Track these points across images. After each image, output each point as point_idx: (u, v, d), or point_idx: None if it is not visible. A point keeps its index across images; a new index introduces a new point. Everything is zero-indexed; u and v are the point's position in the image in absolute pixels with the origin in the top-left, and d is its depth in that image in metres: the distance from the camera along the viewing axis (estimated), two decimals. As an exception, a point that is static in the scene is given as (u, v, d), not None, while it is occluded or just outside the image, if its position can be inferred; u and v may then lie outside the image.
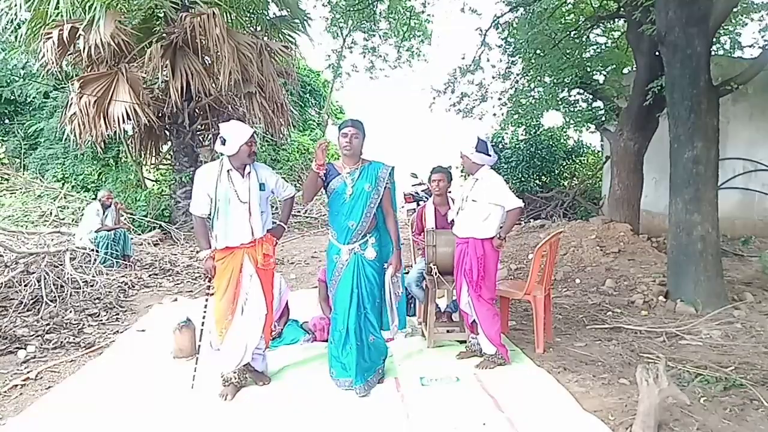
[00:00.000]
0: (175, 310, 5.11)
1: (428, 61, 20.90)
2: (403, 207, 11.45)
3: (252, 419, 2.92)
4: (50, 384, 3.51)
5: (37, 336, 4.39)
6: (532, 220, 10.25)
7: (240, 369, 3.27)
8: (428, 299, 4.06)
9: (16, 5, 7.74)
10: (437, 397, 3.15)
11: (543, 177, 12.41)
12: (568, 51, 8.42)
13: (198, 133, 10.24)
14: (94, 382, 3.50)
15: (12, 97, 12.71)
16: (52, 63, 7.96)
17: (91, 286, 5.79)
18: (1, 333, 4.30)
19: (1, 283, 5.40)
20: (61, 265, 6.07)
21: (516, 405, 2.98)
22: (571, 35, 8.49)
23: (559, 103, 9.07)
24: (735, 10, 6.29)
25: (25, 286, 5.38)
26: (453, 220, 3.87)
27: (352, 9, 10.18)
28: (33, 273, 5.66)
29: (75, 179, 11.90)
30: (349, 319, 3.29)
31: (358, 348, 3.26)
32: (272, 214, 3.49)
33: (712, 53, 5.36)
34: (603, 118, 8.76)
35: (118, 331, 4.70)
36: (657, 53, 6.52)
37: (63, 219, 9.90)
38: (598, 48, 9.38)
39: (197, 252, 7.92)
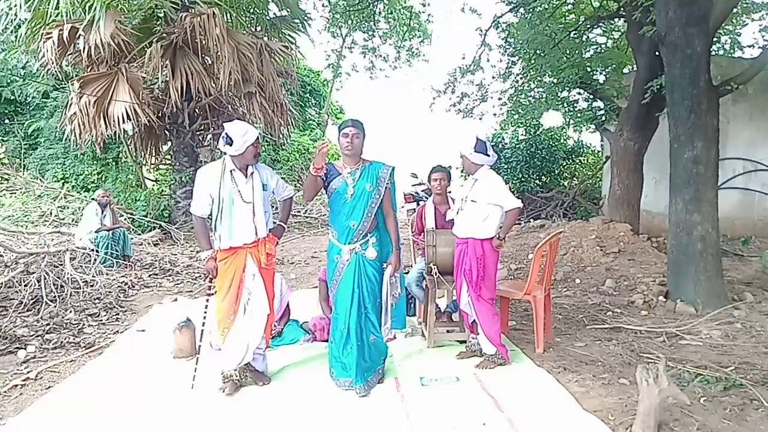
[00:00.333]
0: (175, 310, 5.11)
1: (428, 61, 20.96)
2: (403, 207, 11.45)
3: (252, 419, 2.92)
4: (50, 384, 3.51)
5: (37, 336, 4.39)
6: (532, 220, 10.25)
7: (240, 368, 3.27)
8: (428, 299, 4.06)
9: (16, 5, 7.74)
10: (437, 397, 3.15)
11: (543, 177, 12.41)
12: (568, 51, 8.41)
13: (198, 133, 10.23)
14: (94, 382, 3.50)
15: (12, 97, 12.72)
16: (52, 63, 7.96)
17: (91, 286, 5.79)
18: (1, 333, 4.30)
19: (1, 283, 5.40)
20: (61, 265, 6.07)
21: (516, 405, 2.98)
22: (571, 35, 8.49)
23: (559, 103, 9.06)
24: (735, 10, 6.29)
25: (25, 286, 5.38)
26: (453, 220, 3.87)
27: (351, 9, 10.18)
28: (33, 273, 5.66)
29: (75, 179, 11.90)
30: (350, 318, 3.29)
31: (358, 348, 3.26)
32: (272, 214, 3.50)
33: (712, 53, 5.36)
34: (603, 118, 8.75)
35: (118, 331, 4.70)
36: (657, 53, 6.52)
37: (63, 219, 9.90)
38: (598, 48, 9.38)
39: (197, 252, 7.93)
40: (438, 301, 4.30)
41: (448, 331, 4.27)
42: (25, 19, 8.28)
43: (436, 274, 3.92)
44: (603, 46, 9.56)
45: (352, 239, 3.33)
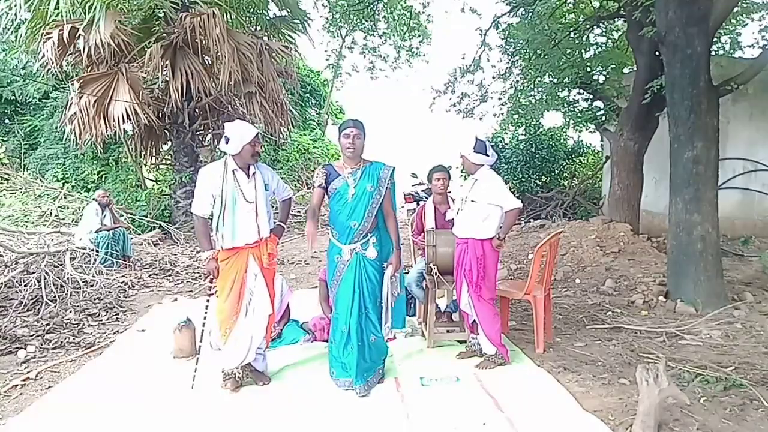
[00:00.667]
0: (175, 310, 5.12)
1: (428, 61, 20.92)
2: (403, 207, 11.46)
3: (252, 419, 2.92)
4: (50, 384, 3.51)
5: (37, 336, 4.39)
6: (532, 220, 10.25)
7: (241, 367, 3.27)
8: (428, 299, 4.06)
9: (16, 5, 7.74)
10: (437, 397, 3.15)
11: (543, 177, 12.40)
12: (568, 51, 8.40)
13: (198, 133, 10.23)
14: (94, 382, 3.50)
15: (12, 97, 12.72)
16: (52, 63, 7.96)
17: (91, 286, 5.79)
18: (1, 333, 4.30)
19: (1, 283, 5.40)
20: (61, 265, 6.07)
21: (516, 405, 2.98)
22: (571, 35, 8.48)
23: (559, 103, 9.07)
24: (735, 10, 6.29)
25: (25, 286, 5.38)
26: (453, 220, 3.87)
27: (351, 9, 10.17)
28: (33, 273, 5.66)
29: (75, 179, 11.90)
30: (351, 318, 3.29)
31: (359, 348, 3.26)
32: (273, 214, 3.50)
33: (712, 53, 5.36)
34: (603, 118, 8.75)
35: (118, 331, 4.70)
36: (657, 53, 6.52)
37: (63, 219, 9.90)
38: (598, 48, 9.38)
39: (197, 252, 7.93)
40: (438, 301, 4.30)
41: (448, 331, 4.27)
42: (25, 19, 8.27)
43: (436, 274, 3.92)
44: (603, 46, 9.56)
45: (353, 239, 3.32)
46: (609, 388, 3.21)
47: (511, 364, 3.62)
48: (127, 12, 8.82)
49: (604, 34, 9.75)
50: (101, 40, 7.64)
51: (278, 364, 3.67)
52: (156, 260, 7.67)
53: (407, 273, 4.34)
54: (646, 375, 2.57)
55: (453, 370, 3.56)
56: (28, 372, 3.68)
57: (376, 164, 3.40)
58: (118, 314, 5.22)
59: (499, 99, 9.75)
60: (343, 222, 3.32)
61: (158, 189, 11.80)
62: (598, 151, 12.95)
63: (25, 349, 4.09)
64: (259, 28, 10.42)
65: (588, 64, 8.75)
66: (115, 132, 8.77)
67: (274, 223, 3.45)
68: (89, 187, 11.75)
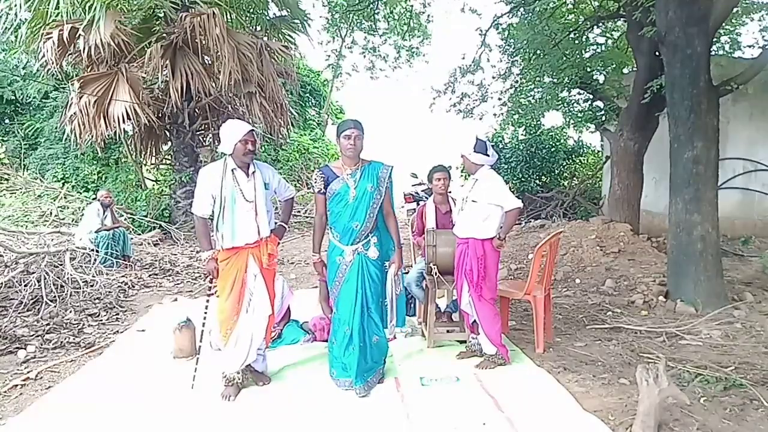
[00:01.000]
0: (175, 310, 5.11)
1: (428, 61, 20.92)
2: (403, 207, 11.45)
3: (252, 419, 2.92)
4: (50, 384, 3.51)
5: (37, 336, 4.39)
6: (532, 220, 10.25)
7: (242, 369, 3.27)
8: (428, 299, 4.06)
9: (16, 5, 7.74)
10: (437, 397, 3.15)
11: (543, 177, 12.41)
12: (567, 51, 8.41)
13: (198, 133, 10.23)
14: (94, 382, 3.50)
15: (12, 97, 12.72)
16: (52, 63, 7.97)
17: (91, 286, 5.79)
18: (1, 333, 4.30)
19: (1, 283, 5.40)
20: (61, 265, 6.07)
21: (516, 405, 2.98)
22: (571, 35, 8.49)
23: (559, 103, 9.07)
24: (735, 10, 6.29)
25: (25, 286, 5.38)
26: (453, 220, 3.87)
27: (351, 9, 10.18)
28: (33, 273, 5.66)
29: (75, 179, 11.90)
30: (354, 320, 3.28)
31: (361, 349, 3.26)
32: (273, 214, 3.49)
33: (712, 53, 5.36)
34: (603, 118, 8.76)
35: (118, 331, 4.70)
36: (657, 53, 6.52)
37: (63, 219, 9.90)
38: (597, 48, 9.38)
39: (197, 252, 7.93)
40: (438, 301, 4.29)
41: (448, 331, 4.27)
42: (25, 19, 8.28)
43: (436, 274, 3.92)
44: (603, 46, 9.56)
45: (355, 240, 3.32)
46: (609, 388, 3.21)
47: (511, 364, 3.62)
48: (127, 12, 8.82)
49: (604, 34, 9.76)
50: (101, 40, 7.64)
51: (278, 364, 3.67)
52: (156, 260, 7.67)
53: (407, 273, 4.34)
54: (646, 375, 2.57)
55: (453, 370, 3.56)
56: (28, 372, 3.68)
57: (374, 164, 3.39)
58: (118, 314, 5.22)
59: (499, 99, 9.77)
60: (345, 223, 3.31)
61: (158, 189, 11.80)
62: (598, 151, 12.96)
63: (25, 349, 4.09)
64: (259, 28, 10.42)
65: (588, 64, 8.76)
66: (115, 132, 8.77)
67: (276, 223, 3.45)
68: (89, 187, 11.74)
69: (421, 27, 19.06)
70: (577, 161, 13.32)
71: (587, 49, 9.09)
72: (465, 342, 3.96)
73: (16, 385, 3.46)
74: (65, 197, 10.82)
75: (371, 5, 10.04)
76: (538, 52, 8.52)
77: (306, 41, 10.93)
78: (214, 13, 8.17)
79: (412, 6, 15.91)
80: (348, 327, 3.29)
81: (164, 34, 8.78)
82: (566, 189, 12.15)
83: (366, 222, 3.30)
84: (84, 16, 7.83)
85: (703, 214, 4.92)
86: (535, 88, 9.37)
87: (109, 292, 5.75)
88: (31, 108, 13.02)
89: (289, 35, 10.44)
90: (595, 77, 8.99)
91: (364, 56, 20.30)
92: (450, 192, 4.45)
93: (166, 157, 11.08)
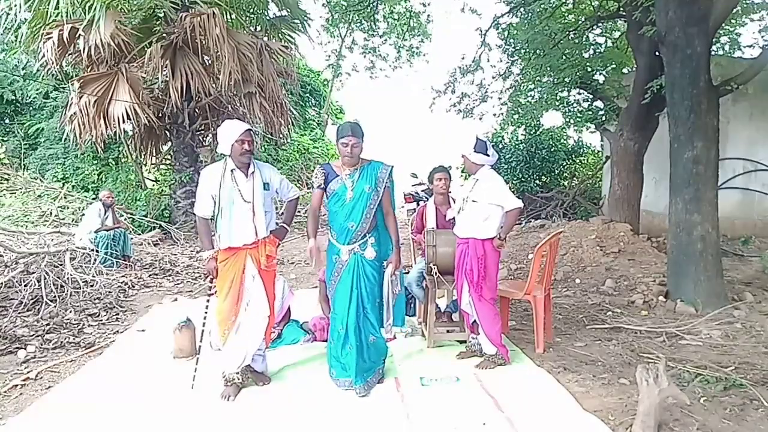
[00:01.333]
0: (175, 310, 5.12)
1: (428, 61, 20.90)
2: (403, 207, 11.45)
3: (252, 419, 2.92)
4: (50, 384, 3.51)
5: (37, 336, 4.39)
6: (532, 220, 10.24)
7: (241, 369, 3.27)
8: (428, 299, 4.06)
9: (16, 5, 7.75)
10: (437, 397, 3.15)
11: (543, 177, 12.41)
12: (567, 51, 8.41)
13: (198, 133, 10.23)
14: (94, 382, 3.50)
15: (12, 97, 12.70)
16: (52, 63, 7.96)
17: (91, 286, 5.79)
18: (1, 333, 4.30)
19: (1, 283, 5.40)
20: (61, 265, 6.07)
21: (516, 405, 2.98)
22: (571, 35, 8.49)
23: (559, 103, 9.07)
24: (735, 10, 6.29)
25: (25, 286, 5.38)
26: (453, 220, 3.87)
27: (351, 9, 10.17)
28: (33, 273, 5.66)
29: (75, 179, 11.89)
30: (349, 318, 3.29)
31: (357, 348, 3.26)
32: (276, 215, 3.48)
33: (712, 53, 5.36)
34: (603, 118, 8.75)
35: (118, 331, 4.70)
36: (657, 53, 6.51)
37: (63, 219, 9.90)
38: (597, 48, 9.38)
39: (198, 252, 7.93)
40: (438, 301, 4.29)
41: (448, 331, 4.27)
42: (25, 20, 8.28)
43: (436, 274, 3.92)
44: (603, 46, 9.56)
45: (351, 240, 3.32)
46: (609, 388, 3.21)
47: (511, 364, 3.62)
48: (127, 12, 8.82)
49: (604, 34, 9.76)
50: (101, 40, 7.64)
51: (278, 364, 3.67)
52: (156, 260, 7.67)
53: (407, 273, 4.34)
54: (646, 375, 2.57)
55: (453, 370, 3.56)
56: (28, 372, 3.68)
57: (374, 164, 3.39)
58: (118, 314, 5.22)
59: (499, 99, 9.76)
60: (341, 223, 3.31)
61: (158, 189, 11.80)
62: (598, 151, 12.95)
63: (25, 349, 4.09)
64: (259, 28, 10.42)
65: (588, 64, 8.76)
66: (115, 132, 8.77)
67: (277, 224, 3.44)
68: (89, 187, 11.74)
69: (421, 27, 19.06)
70: (577, 161, 13.32)
71: (587, 49, 9.09)
72: (465, 342, 3.96)
73: (16, 385, 3.46)
74: (65, 197, 10.82)
75: (371, 5, 10.04)
76: (538, 51, 8.51)
77: (306, 41, 10.94)
78: (214, 13, 8.17)
79: (411, 6, 15.92)
80: (342, 326, 3.30)
81: (164, 34, 8.77)
82: (566, 189, 12.15)
83: (362, 223, 3.30)
84: (84, 16, 7.83)
85: (703, 214, 4.92)
86: (535, 88, 9.37)
87: (109, 292, 5.75)
88: (31, 108, 13.01)
89: (289, 35, 10.43)
90: (595, 77, 8.99)
91: (364, 56, 20.31)
92: (450, 192, 4.45)
93: (166, 157, 11.08)
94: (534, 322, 3.91)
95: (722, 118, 5.20)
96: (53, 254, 6.34)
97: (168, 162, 11.06)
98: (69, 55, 8.59)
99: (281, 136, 10.86)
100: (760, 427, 2.69)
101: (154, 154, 10.77)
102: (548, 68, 8.48)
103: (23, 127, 12.84)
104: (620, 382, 3.28)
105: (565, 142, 13.00)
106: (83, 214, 8.05)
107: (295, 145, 15.26)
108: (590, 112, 8.90)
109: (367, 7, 10.04)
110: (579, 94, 9.34)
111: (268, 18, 10.52)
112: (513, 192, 3.70)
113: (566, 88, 9.01)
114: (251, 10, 10.40)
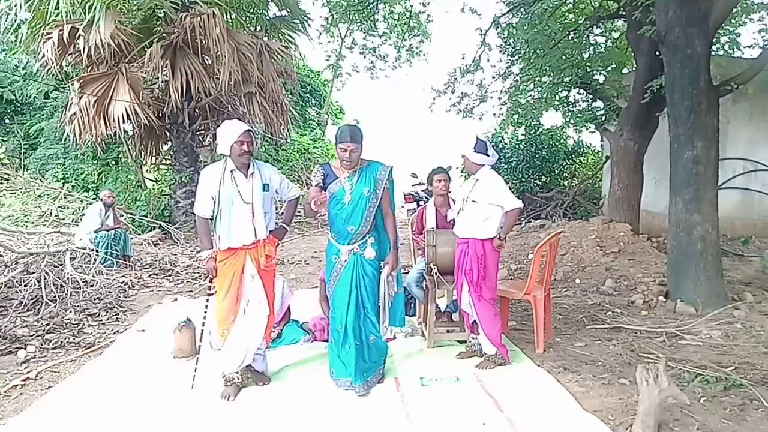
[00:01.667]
0: (175, 310, 5.11)
1: (428, 60, 20.88)
2: (403, 207, 11.46)
3: (252, 419, 2.92)
4: (50, 384, 3.51)
5: (37, 336, 4.39)
6: (532, 220, 10.25)
7: (241, 369, 3.27)
8: (428, 299, 4.06)
9: (16, 5, 7.74)
10: (437, 397, 3.15)
11: (543, 177, 12.41)
12: (567, 51, 8.41)
13: (198, 133, 10.24)
14: (94, 382, 3.50)
15: (12, 97, 12.71)
16: (52, 63, 7.97)
17: (91, 286, 5.79)
18: (1, 333, 4.30)
19: (1, 283, 5.40)
20: (61, 265, 6.07)
21: (516, 405, 2.98)
22: (571, 35, 8.49)
23: (559, 103, 9.06)
24: (735, 10, 6.29)
25: (25, 286, 5.38)
26: (453, 221, 3.87)
27: (351, 9, 10.17)
28: (33, 273, 5.66)
29: (75, 179, 11.89)
30: (348, 318, 3.28)
31: (357, 348, 3.26)
32: (276, 214, 3.48)
33: (712, 53, 5.36)
34: (603, 118, 8.75)
35: (118, 331, 4.70)
36: (657, 53, 6.52)
37: (63, 219, 9.90)
38: (597, 48, 9.37)
39: (197, 252, 7.93)
40: (438, 301, 4.29)
41: (448, 331, 4.27)
42: (25, 19, 8.28)
43: (436, 274, 3.92)
44: (603, 46, 9.56)
45: (351, 240, 3.33)
46: (609, 388, 3.21)
47: (511, 364, 3.62)
48: (127, 12, 8.83)
49: (603, 34, 9.75)
50: (101, 40, 7.64)
51: (278, 364, 3.67)
52: (156, 260, 7.67)
53: (406, 273, 4.34)
54: (646, 375, 2.57)
55: (453, 370, 3.55)
56: (28, 372, 3.68)
57: (373, 165, 3.37)
58: (118, 314, 5.22)
59: (499, 99, 9.76)
60: (341, 226, 3.31)
61: (158, 189, 11.80)
62: (598, 151, 12.95)
63: (25, 349, 4.09)
64: (259, 28, 10.42)
65: (588, 64, 8.75)
66: (115, 132, 8.78)
67: (277, 224, 3.44)
68: (89, 187, 11.74)
69: (421, 27, 19.04)
70: (577, 161, 13.33)
71: (587, 49, 9.08)
72: (465, 342, 3.96)
73: (16, 385, 3.46)
74: (65, 197, 10.82)
75: (371, 5, 10.04)
76: (538, 51, 8.51)
77: (306, 41, 10.95)
78: (214, 13, 8.17)
79: (411, 6, 15.91)
80: (341, 325, 3.30)
81: (164, 34, 8.78)
82: (566, 189, 12.15)
83: (362, 226, 3.30)
84: (84, 16, 7.83)
85: (703, 214, 4.92)
86: (535, 87, 9.37)
87: (109, 292, 5.75)
88: (31, 108, 13.01)
89: (289, 35, 10.44)
90: (595, 77, 8.99)
91: (364, 56, 20.28)
92: (450, 192, 4.45)
93: (166, 157, 11.08)
94: (534, 322, 3.91)
95: (722, 118, 5.20)
96: (53, 254, 6.34)
97: (168, 162, 11.07)
98: (69, 55, 8.60)
99: (281, 136, 10.87)
100: (760, 427, 2.69)
101: (154, 154, 10.77)
102: (548, 68, 8.48)
103: (23, 127, 12.84)
104: (620, 382, 3.28)
105: (565, 142, 13.01)
106: (83, 214, 8.05)
107: (295, 145, 15.26)
108: (590, 112, 8.90)
109: (367, 7, 10.04)
110: (579, 94, 9.34)
111: (268, 18, 10.52)
112: (513, 192, 3.70)
113: (566, 88, 9.01)
114: (251, 10, 10.41)
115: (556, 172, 12.52)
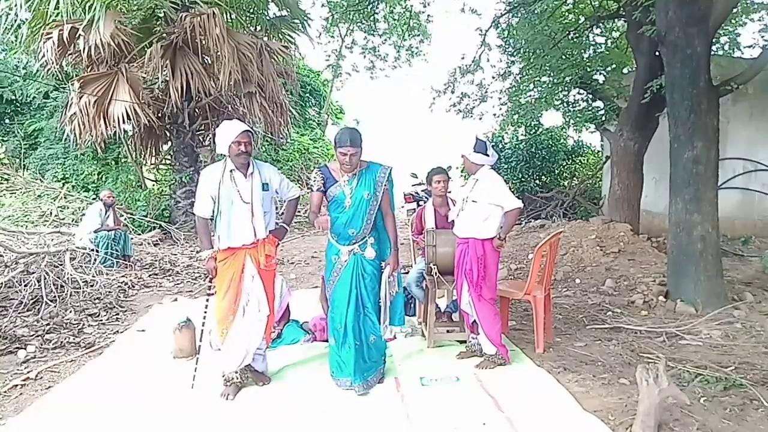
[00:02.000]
0: (175, 310, 5.11)
1: (428, 60, 20.87)
2: (403, 207, 11.46)
3: (252, 419, 2.92)
4: (50, 384, 3.51)
5: (37, 336, 4.39)
6: (532, 220, 10.25)
7: (241, 369, 3.27)
8: (428, 299, 4.06)
9: (16, 5, 7.74)
10: (437, 397, 3.15)
11: (543, 177, 12.41)
12: (567, 51, 8.41)
13: (198, 133, 10.24)
14: (94, 382, 3.50)
15: (12, 97, 12.71)
16: (52, 63, 7.97)
17: (91, 286, 5.79)
18: (1, 333, 4.30)
19: (1, 283, 5.40)
20: (61, 265, 6.07)
21: (516, 405, 2.98)
22: (571, 35, 8.49)
23: (559, 102, 9.06)
24: (735, 10, 6.29)
25: (25, 286, 5.38)
26: (453, 221, 3.87)
27: (351, 9, 10.18)
28: (33, 273, 5.66)
29: (75, 179, 11.90)
30: (347, 318, 3.28)
31: (357, 348, 3.26)
32: (276, 214, 3.48)
33: (712, 53, 5.36)
34: (603, 118, 8.75)
35: (118, 331, 4.70)
36: (657, 53, 6.51)
37: (63, 219, 9.90)
38: (597, 48, 9.37)
39: (197, 252, 7.93)
40: (438, 301, 4.29)
41: (448, 331, 4.27)
42: (25, 19, 8.28)
43: (436, 274, 3.92)
44: (603, 46, 9.56)
45: (351, 242, 3.33)
46: (609, 388, 3.21)
47: (511, 364, 3.62)
48: (127, 12, 8.83)
49: (603, 34, 9.75)
50: (101, 40, 7.64)
51: (278, 364, 3.67)
52: (156, 260, 7.67)
53: (406, 273, 4.33)
54: (646, 375, 2.57)
55: (453, 370, 3.56)
56: (28, 372, 3.68)
57: (373, 167, 3.36)
58: (118, 314, 5.22)
59: (499, 99, 9.76)
60: (342, 229, 3.31)
61: (158, 189, 11.80)
62: (598, 151, 12.95)
63: (25, 349, 4.09)
64: (259, 28, 10.42)
65: (588, 64, 8.75)
66: (115, 132, 8.78)
67: (277, 223, 3.44)
68: (89, 187, 11.74)
69: (421, 27, 19.04)
70: (577, 161, 13.32)
71: (587, 49, 9.09)
72: (465, 342, 3.96)
73: (16, 385, 3.46)
74: (65, 197, 10.82)
75: (371, 5, 10.04)
76: (538, 51, 8.51)
77: (306, 41, 10.95)
78: (214, 13, 8.17)
79: (411, 6, 15.90)
80: (340, 325, 3.29)
81: (164, 34, 8.78)
82: (566, 189, 12.15)
83: (363, 229, 3.31)
84: (84, 16, 7.83)
85: (703, 214, 4.92)
86: (535, 87, 9.37)
87: (109, 292, 5.75)
88: (31, 108, 13.02)
89: (289, 35, 10.44)
90: (595, 77, 8.98)
91: (364, 56, 20.28)
92: (449, 192, 4.45)
93: (166, 157, 11.08)
94: (534, 322, 3.91)
95: (722, 118, 5.20)
96: (53, 254, 6.34)
97: (168, 162, 11.07)
98: (69, 55, 8.60)
99: (281, 136, 10.87)
100: (760, 427, 2.69)
101: (154, 154, 10.77)
102: (548, 68, 8.48)
103: (23, 127, 12.85)
104: (620, 382, 3.28)
105: (565, 142, 13.01)
106: (83, 214, 8.05)
107: (295, 145, 15.26)
108: (590, 112, 8.90)
109: (367, 7, 10.04)
110: (579, 94, 9.34)
111: (268, 18, 10.52)
112: (513, 192, 3.70)
113: (566, 88, 9.01)
114: (251, 10, 10.41)
115: (556, 172, 12.52)
